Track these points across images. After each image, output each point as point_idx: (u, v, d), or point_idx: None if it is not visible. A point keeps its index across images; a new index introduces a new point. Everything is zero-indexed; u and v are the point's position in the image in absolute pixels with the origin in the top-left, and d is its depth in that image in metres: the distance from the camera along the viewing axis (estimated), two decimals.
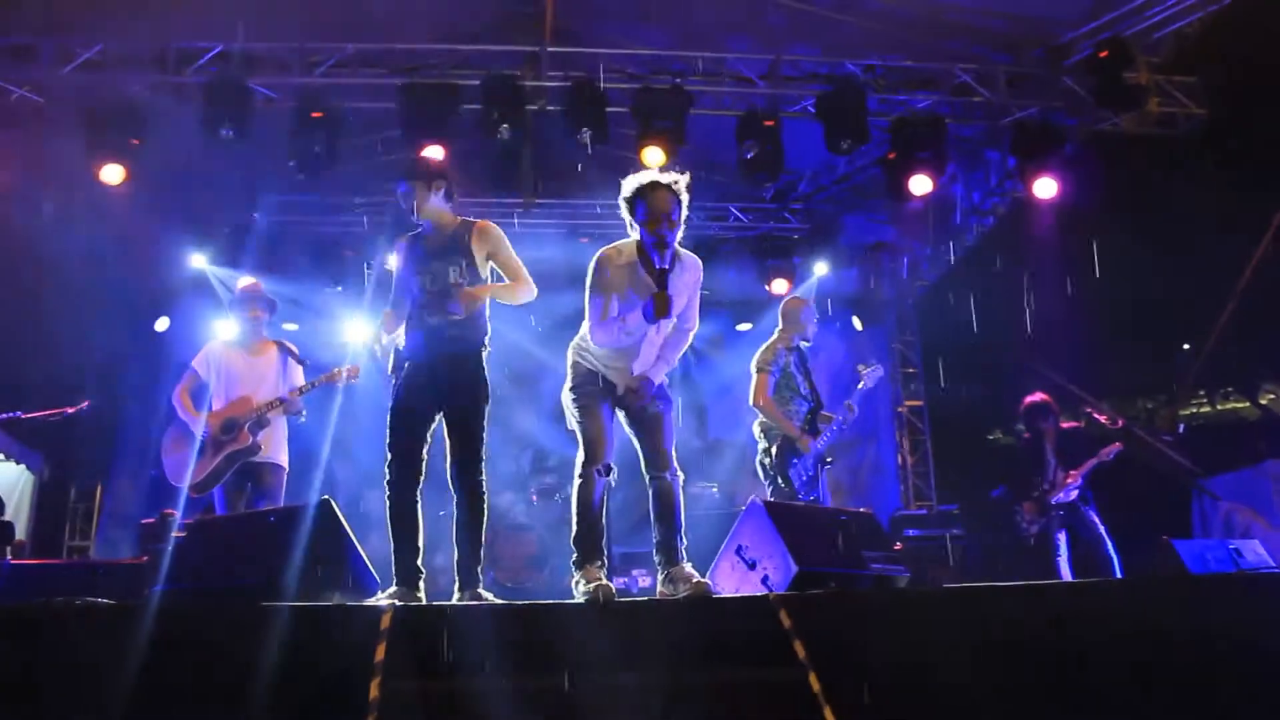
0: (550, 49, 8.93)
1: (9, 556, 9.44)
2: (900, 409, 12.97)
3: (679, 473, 5.05)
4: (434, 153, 8.72)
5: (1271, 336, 11.54)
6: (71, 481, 11.91)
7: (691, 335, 5.26)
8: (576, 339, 5.22)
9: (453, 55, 8.96)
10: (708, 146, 9.68)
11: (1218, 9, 8.43)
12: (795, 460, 7.03)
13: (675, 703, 4.00)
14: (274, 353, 7.13)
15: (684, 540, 4.96)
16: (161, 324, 11.57)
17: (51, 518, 11.88)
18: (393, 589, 5.05)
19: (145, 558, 7.73)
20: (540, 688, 4.10)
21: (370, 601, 4.81)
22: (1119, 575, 8.01)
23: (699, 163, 9.78)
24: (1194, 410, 14.65)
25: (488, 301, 5.41)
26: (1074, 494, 8.34)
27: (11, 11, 8.23)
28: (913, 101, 9.36)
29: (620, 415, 5.14)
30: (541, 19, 8.88)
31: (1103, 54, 8.68)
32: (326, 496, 5.33)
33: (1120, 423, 8.81)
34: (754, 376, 7.26)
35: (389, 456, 5.20)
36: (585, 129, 8.67)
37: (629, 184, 4.89)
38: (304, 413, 7.01)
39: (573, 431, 5.19)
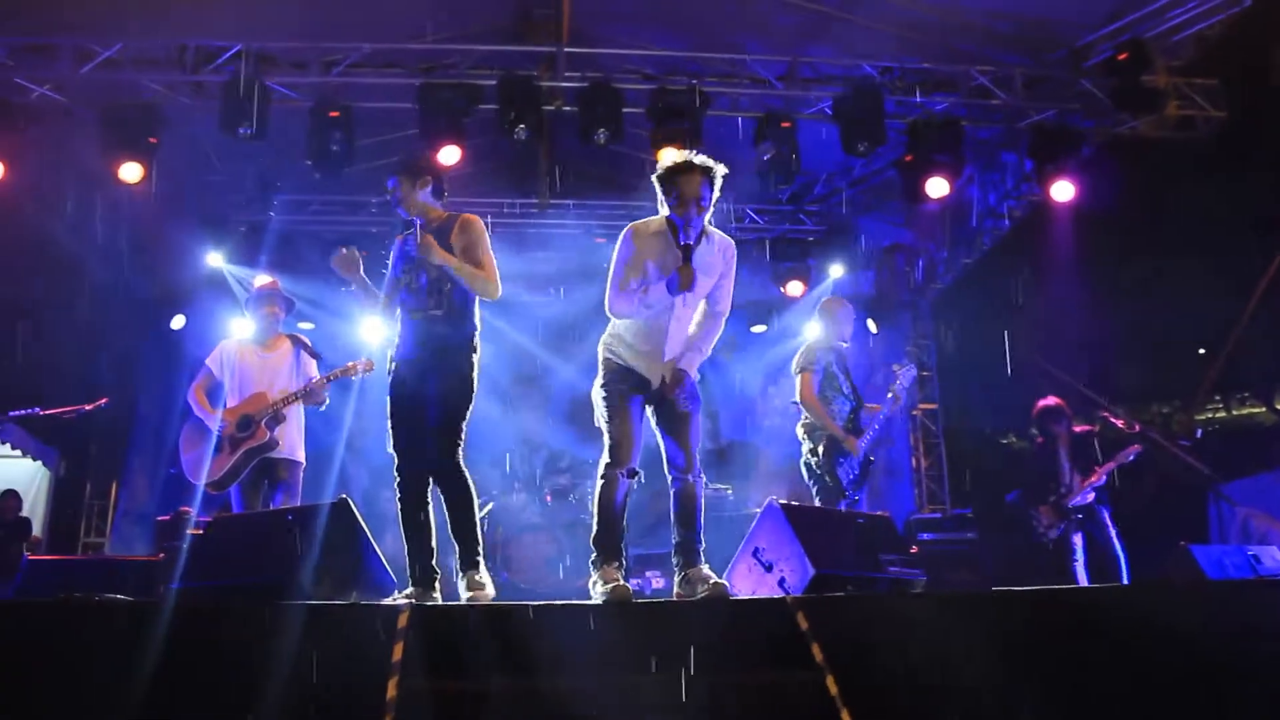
0: (567, 50, 8.93)
1: (27, 552, 9.52)
2: (914, 412, 12.94)
3: (701, 474, 5.00)
4: (450, 153, 8.74)
5: None
6: (87, 478, 11.96)
7: (723, 322, 5.14)
8: (605, 335, 5.15)
9: (470, 55, 8.96)
10: (723, 148, 9.61)
11: (1239, 11, 8.37)
12: (842, 459, 7.04)
13: (692, 704, 4.00)
14: (287, 347, 7.14)
15: (702, 542, 4.93)
16: (177, 322, 11.62)
17: (67, 514, 11.95)
18: (409, 589, 5.03)
19: (161, 555, 7.74)
20: (556, 688, 4.09)
21: (387, 601, 4.80)
22: (1126, 580, 7.99)
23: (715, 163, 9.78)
24: (1210, 415, 14.58)
25: (476, 302, 5.39)
26: (1091, 496, 8.31)
27: (33, 11, 8.26)
28: (930, 104, 9.34)
29: (649, 414, 5.05)
30: (558, 20, 8.87)
31: (1122, 56, 8.64)
32: (344, 496, 5.34)
33: (1136, 427, 8.76)
34: (797, 377, 7.29)
35: (394, 457, 5.20)
36: (601, 130, 8.68)
37: (662, 164, 4.95)
38: (326, 401, 7.01)
39: (599, 429, 5.10)
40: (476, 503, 5.21)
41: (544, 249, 12.07)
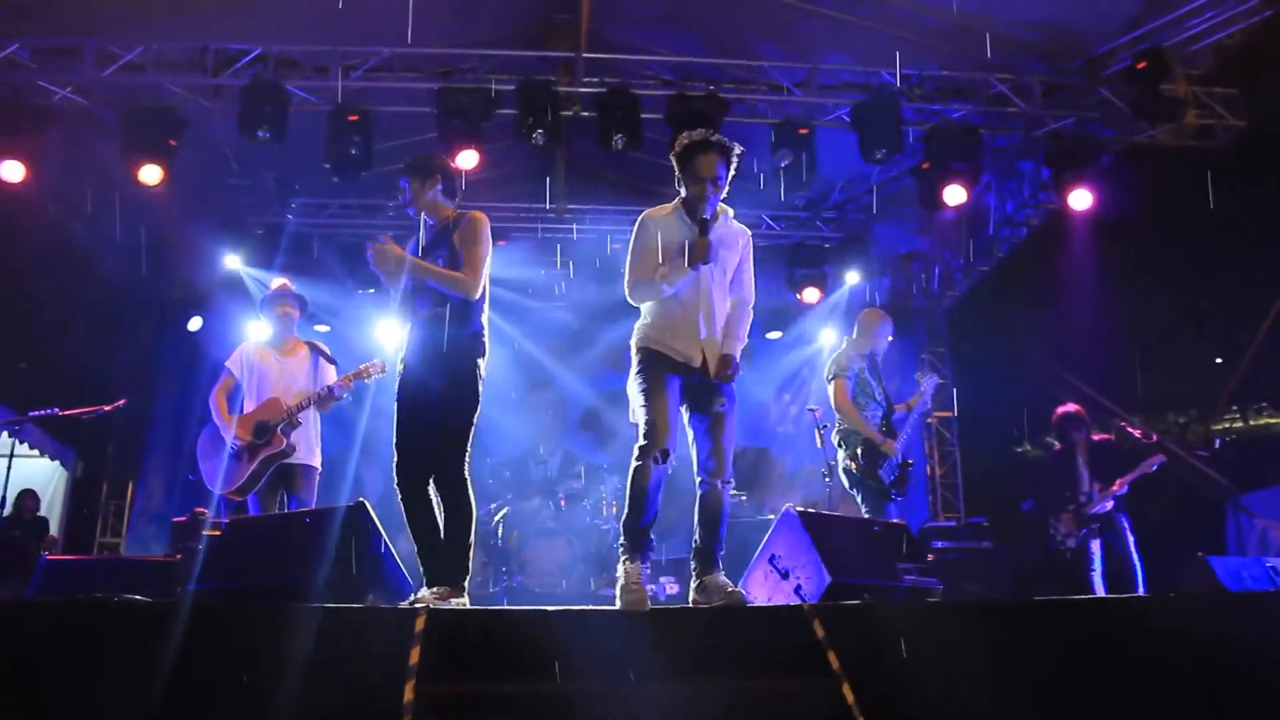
0: (585, 55, 8.94)
1: (44, 551, 9.56)
2: (930, 420, 12.90)
3: (731, 482, 4.90)
4: (468, 157, 8.76)
5: None
6: (104, 478, 12.01)
7: (750, 310, 5.10)
8: (636, 327, 5.05)
9: (488, 60, 8.98)
10: (741, 154, 9.65)
11: (1259, 21, 8.34)
12: (882, 462, 7.09)
13: (708, 712, 3.99)
14: (305, 353, 7.17)
15: (723, 549, 4.87)
16: (194, 324, 11.66)
17: (84, 514, 12.00)
18: (426, 590, 5.00)
19: (178, 556, 7.77)
20: (572, 693, 4.10)
21: (404, 604, 4.81)
22: (1142, 590, 7.95)
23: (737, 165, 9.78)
24: (1228, 425, 14.49)
25: (484, 304, 5.30)
26: (1109, 505, 8.28)
27: (55, 14, 8.32)
28: (948, 111, 9.32)
29: (684, 411, 4.94)
30: (577, 25, 8.88)
31: (1141, 65, 8.61)
32: (361, 499, 5.35)
33: (1154, 437, 8.72)
34: (831, 383, 7.31)
35: (394, 455, 5.13)
36: (619, 135, 8.68)
37: (680, 141, 4.93)
38: (345, 396, 7.00)
39: (635, 424, 4.96)
40: (474, 521, 5.07)
41: (561, 254, 12.10)
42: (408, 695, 3.93)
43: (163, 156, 8.71)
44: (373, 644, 4.23)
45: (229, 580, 5.12)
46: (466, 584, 4.98)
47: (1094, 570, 8.19)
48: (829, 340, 12.81)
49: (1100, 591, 8.06)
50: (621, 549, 4.86)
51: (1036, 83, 9.30)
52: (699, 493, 4.86)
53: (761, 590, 5.62)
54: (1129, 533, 8.24)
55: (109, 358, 11.64)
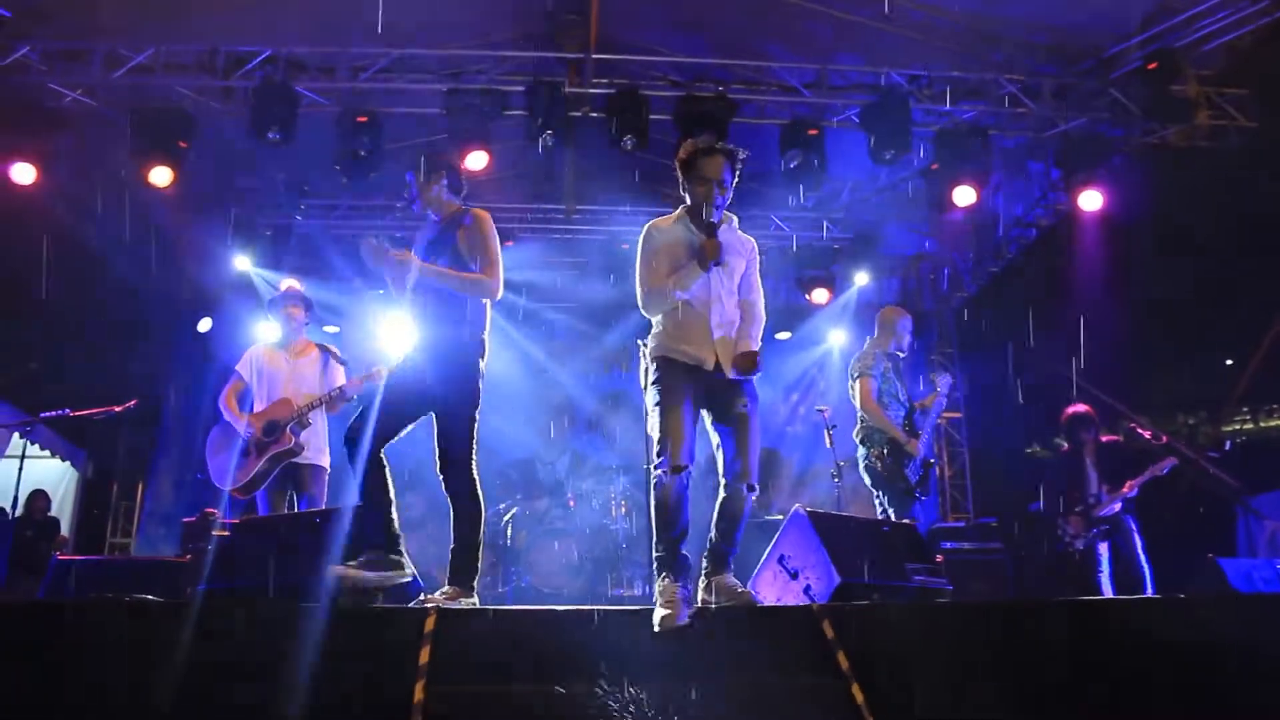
0: (594, 56, 8.94)
1: (55, 551, 9.60)
2: (939, 421, 12.87)
3: (756, 490, 4.75)
4: (477, 158, 8.77)
5: None
6: (114, 479, 12.05)
7: (761, 311, 5.02)
8: (648, 338, 4.97)
9: (497, 61, 9.00)
10: (750, 154, 9.65)
11: (1269, 21, 8.31)
12: (907, 462, 7.06)
13: (718, 712, 4.00)
14: (315, 354, 7.20)
15: (737, 551, 4.80)
16: (204, 324, 11.69)
17: (94, 515, 12.04)
18: (441, 589, 4.97)
19: (188, 556, 7.79)
20: (582, 693, 4.10)
21: (414, 604, 4.81)
22: (1150, 592, 7.93)
23: (740, 170, 9.76)
24: (1238, 427, 14.47)
25: (487, 304, 5.24)
26: (1118, 507, 8.26)
27: (66, 17, 8.35)
28: (957, 112, 9.31)
29: (705, 416, 4.85)
30: (586, 26, 8.88)
31: (1152, 66, 8.58)
32: None
33: (1163, 438, 8.70)
34: (856, 382, 7.27)
35: (367, 437, 5.06)
36: (628, 136, 8.68)
37: (685, 147, 4.94)
38: (354, 397, 7.00)
39: (649, 436, 4.87)
40: (483, 522, 5.06)
41: (569, 255, 12.11)
42: (418, 695, 3.94)
43: (173, 158, 8.74)
44: (383, 644, 4.25)
45: (238, 581, 5.13)
46: (475, 584, 4.97)
47: (1101, 572, 8.17)
48: (838, 341, 12.82)
49: (1108, 593, 8.05)
50: (656, 565, 4.67)
51: (1047, 83, 9.28)
52: (721, 496, 4.77)
53: (771, 590, 5.62)
54: (1136, 534, 8.23)
55: (119, 359, 11.66)
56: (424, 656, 4.10)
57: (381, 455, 5.00)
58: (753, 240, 5.13)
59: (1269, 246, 9.99)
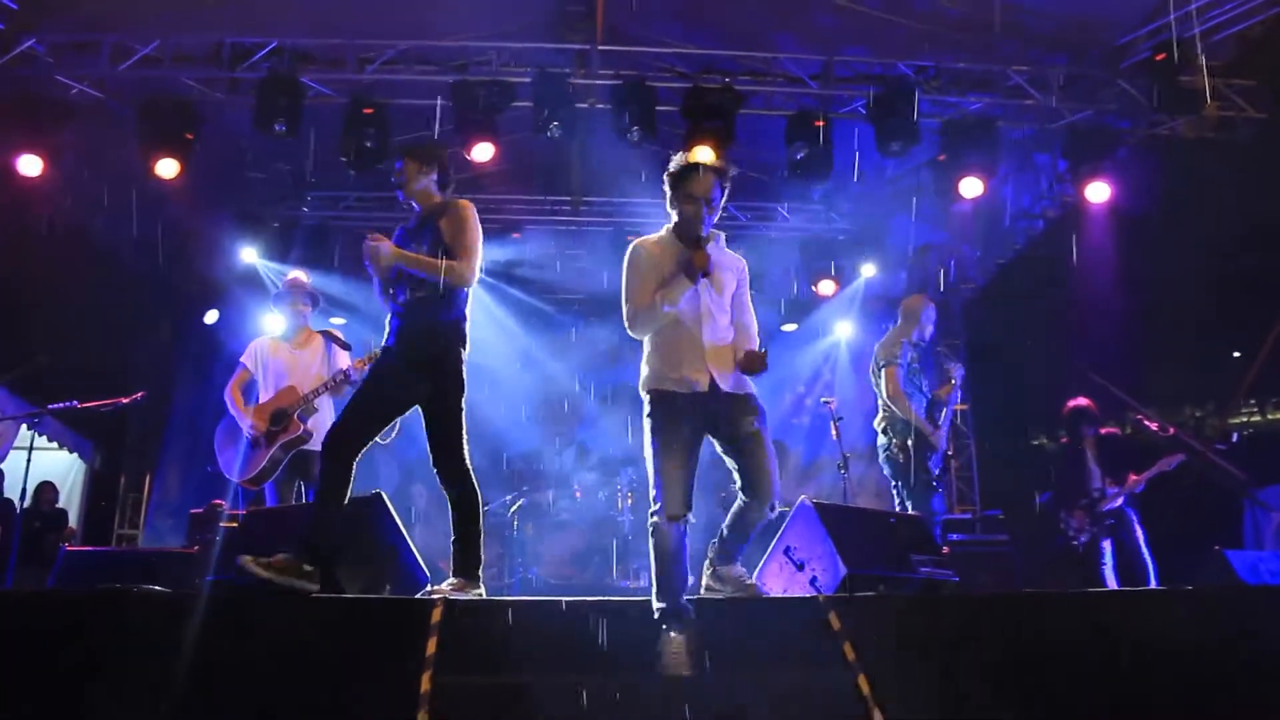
0: (601, 47, 8.93)
1: (63, 543, 9.63)
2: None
3: (777, 507, 4.67)
4: (484, 150, 8.77)
5: None
6: (122, 471, 12.08)
7: (754, 334, 4.89)
8: (640, 376, 4.77)
9: (504, 53, 8.99)
10: (757, 146, 9.65)
11: (1279, 12, 8.27)
12: (930, 454, 7.03)
13: (724, 702, 4.00)
14: (319, 342, 7.22)
15: (746, 549, 4.81)
16: (211, 317, 11.71)
17: (102, 506, 12.07)
18: (448, 580, 4.97)
19: (195, 547, 7.82)
20: (588, 684, 4.11)
21: (420, 595, 4.83)
22: (1154, 584, 7.93)
23: (748, 162, 9.76)
24: (1245, 419, 14.43)
25: (467, 293, 5.19)
26: (1120, 501, 8.26)
27: (73, 9, 8.36)
28: (964, 103, 9.29)
29: (714, 443, 4.70)
30: (592, 18, 8.88)
31: (1160, 56, 8.54)
32: (378, 490, 5.37)
33: (1171, 430, 8.68)
34: (881, 371, 7.23)
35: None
36: (635, 128, 8.68)
37: (675, 162, 4.83)
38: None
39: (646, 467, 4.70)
40: (481, 511, 5.04)
41: (576, 246, 12.11)
42: (425, 686, 3.96)
43: (179, 150, 8.73)
44: (390, 635, 4.26)
45: (245, 573, 5.14)
46: (480, 573, 4.97)
47: (1105, 565, 8.17)
48: (844, 333, 12.81)
49: (1113, 586, 8.04)
50: (660, 617, 4.39)
51: (1054, 74, 9.25)
52: (740, 503, 4.66)
53: (777, 582, 5.63)
54: (1139, 527, 8.23)
55: (127, 351, 11.68)
56: (431, 648, 4.12)
57: (353, 462, 4.91)
58: (742, 260, 5.01)
59: (1278, 239, 9.96)
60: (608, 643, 4.32)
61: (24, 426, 10.20)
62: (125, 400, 7.93)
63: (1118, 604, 5.30)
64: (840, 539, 5.36)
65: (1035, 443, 14.19)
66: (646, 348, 4.78)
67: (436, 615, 4.25)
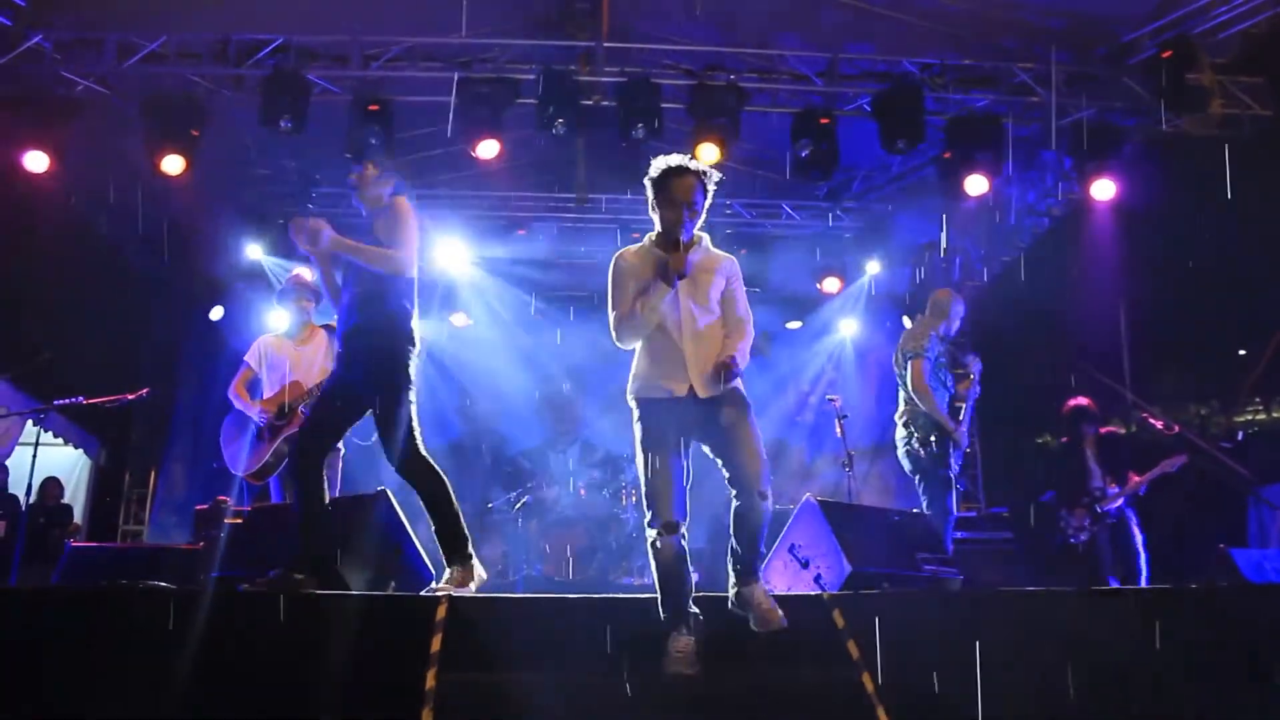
0: (606, 44, 8.91)
1: (67, 539, 9.64)
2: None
3: (770, 496, 4.43)
4: (489, 147, 8.78)
5: None
6: (127, 467, 12.10)
7: (750, 328, 4.66)
8: (628, 387, 4.66)
9: (508, 50, 8.98)
10: (762, 143, 9.65)
11: None
12: (953, 450, 6.97)
13: (729, 699, 4.01)
14: (322, 336, 7.23)
15: (764, 558, 4.57)
16: (216, 313, 11.72)
17: (107, 502, 12.09)
18: (443, 577, 4.98)
19: (201, 544, 7.83)
20: (593, 681, 4.12)
21: (425, 592, 4.83)
22: (1145, 583, 7.93)
23: (752, 159, 9.76)
24: (1250, 417, 14.41)
25: (413, 289, 5.21)
26: (1121, 501, 8.27)
27: (79, 5, 8.37)
28: (970, 100, 9.27)
29: (704, 448, 4.54)
30: (597, 14, 8.87)
31: (1166, 54, 8.51)
32: (383, 488, 5.37)
33: (1175, 428, 8.68)
34: (908, 363, 7.09)
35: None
36: (640, 125, 8.66)
37: (655, 166, 4.67)
38: None
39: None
40: (452, 491, 5.04)
41: (581, 244, 12.10)
42: (429, 683, 3.96)
43: (185, 146, 8.73)
44: (395, 632, 4.27)
45: (251, 568, 5.15)
46: (471, 551, 4.98)
47: (1106, 564, 8.17)
48: (849, 330, 12.81)
49: (1113, 584, 8.04)
50: (665, 624, 4.33)
51: (1060, 72, 9.21)
52: (733, 506, 4.44)
53: (781, 579, 5.64)
54: (1136, 526, 8.24)
55: (132, 347, 11.71)
56: (435, 645, 4.13)
57: (324, 461, 4.97)
58: (732, 257, 4.82)
59: None
60: (611, 640, 4.33)
61: (29, 422, 10.22)
62: (130, 396, 7.95)
63: (1122, 601, 5.30)
64: (845, 537, 5.38)
65: (1040, 441, 14.18)
66: (634, 360, 4.69)
67: (441, 612, 4.26)
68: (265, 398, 6.98)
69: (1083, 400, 8.71)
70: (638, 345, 4.62)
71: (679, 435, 4.46)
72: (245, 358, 7.20)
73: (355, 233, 5.31)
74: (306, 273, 7.64)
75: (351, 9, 8.65)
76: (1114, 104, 9.28)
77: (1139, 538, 8.22)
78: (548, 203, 11.80)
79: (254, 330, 8.66)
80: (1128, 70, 9.09)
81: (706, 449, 4.53)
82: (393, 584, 5.17)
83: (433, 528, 5.03)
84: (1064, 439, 8.77)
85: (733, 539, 4.43)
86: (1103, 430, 8.64)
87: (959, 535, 8.66)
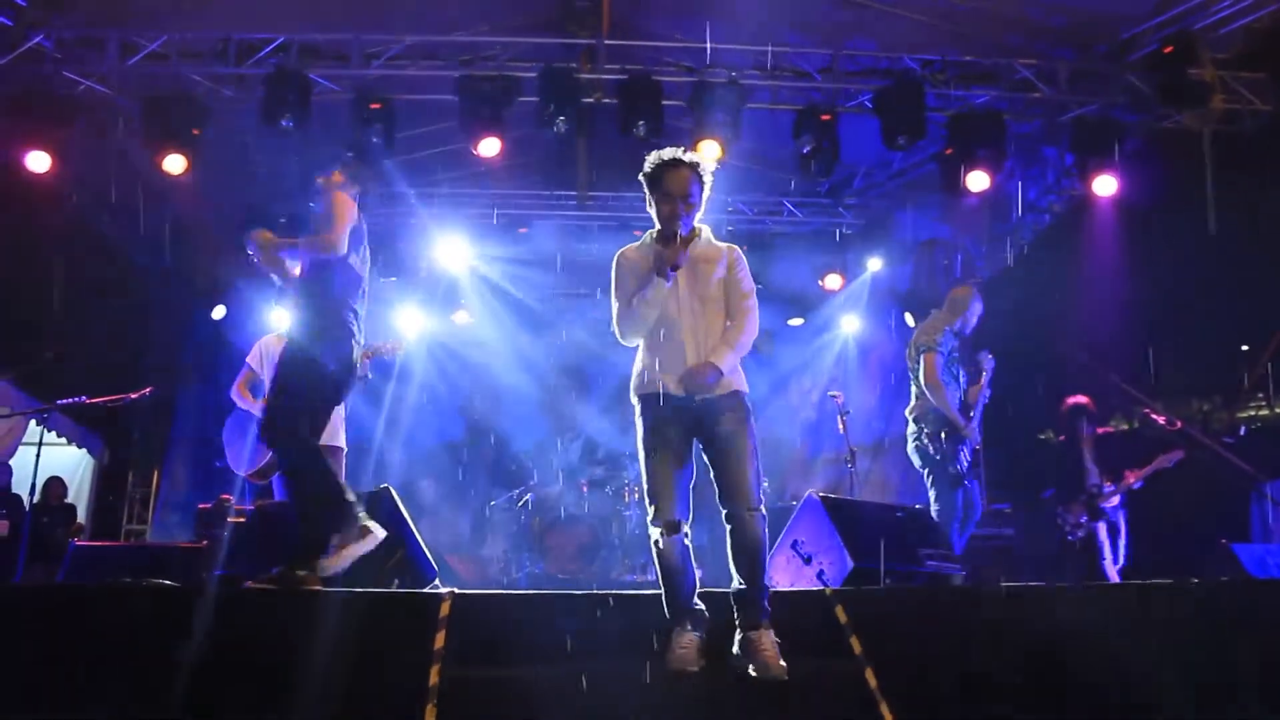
0: (607, 42, 8.93)
1: (71, 538, 9.66)
2: None
3: (762, 510, 4.26)
4: (490, 144, 8.78)
5: None
6: (130, 466, 12.11)
7: (754, 316, 4.53)
8: (632, 376, 4.60)
9: (510, 47, 8.99)
10: (763, 140, 9.64)
11: None
12: (962, 446, 6.93)
13: (732, 693, 4.01)
14: None
15: (768, 590, 4.25)
16: (218, 312, 11.73)
17: (110, 502, 12.10)
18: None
19: (204, 542, 7.84)
20: (595, 677, 4.12)
21: (428, 589, 4.84)
22: (1114, 579, 7.96)
23: (754, 156, 9.76)
24: (1253, 413, 14.41)
25: (342, 278, 5.21)
26: (1118, 499, 8.29)
27: (80, 5, 8.37)
28: (971, 97, 9.26)
29: (699, 447, 4.42)
30: (598, 12, 8.88)
31: (1167, 50, 8.52)
32: (386, 485, 5.38)
33: (1178, 424, 8.69)
34: (921, 357, 7.06)
35: None
36: (641, 122, 8.66)
37: (649, 161, 4.59)
38: (369, 374, 7.00)
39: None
40: (311, 487, 4.94)
41: (582, 241, 12.11)
42: (433, 679, 3.97)
43: (186, 146, 8.75)
44: (398, 628, 4.28)
45: (254, 566, 5.16)
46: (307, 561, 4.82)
47: (1105, 559, 8.18)
48: (850, 327, 12.81)
49: (1113, 578, 8.04)
50: (670, 619, 4.29)
51: (1061, 68, 9.23)
52: (726, 529, 4.26)
53: (784, 576, 5.65)
54: (1125, 531, 8.27)
55: (135, 347, 11.72)
56: (439, 641, 4.13)
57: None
58: (735, 247, 4.71)
59: None
60: (614, 636, 4.34)
61: (32, 422, 10.24)
62: (133, 396, 7.96)
63: (1124, 596, 5.30)
64: (847, 533, 5.39)
65: (1042, 437, 14.19)
66: (637, 356, 4.61)
67: (445, 609, 4.26)
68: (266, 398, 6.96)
69: (1082, 399, 8.71)
70: (641, 341, 4.55)
71: (681, 432, 4.36)
72: (247, 359, 7.18)
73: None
74: None
75: (352, 8, 8.67)
76: (1115, 100, 9.28)
77: (1124, 541, 8.25)
78: (549, 201, 11.81)
79: (255, 329, 8.66)
80: (1129, 66, 9.10)
81: (702, 451, 4.42)
82: (396, 580, 5.18)
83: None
84: (1060, 437, 8.78)
85: (734, 574, 4.24)
86: (1100, 430, 8.64)
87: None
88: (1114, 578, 8.06)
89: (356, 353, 5.14)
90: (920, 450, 7.01)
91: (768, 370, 12.11)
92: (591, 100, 9.04)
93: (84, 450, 12.21)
